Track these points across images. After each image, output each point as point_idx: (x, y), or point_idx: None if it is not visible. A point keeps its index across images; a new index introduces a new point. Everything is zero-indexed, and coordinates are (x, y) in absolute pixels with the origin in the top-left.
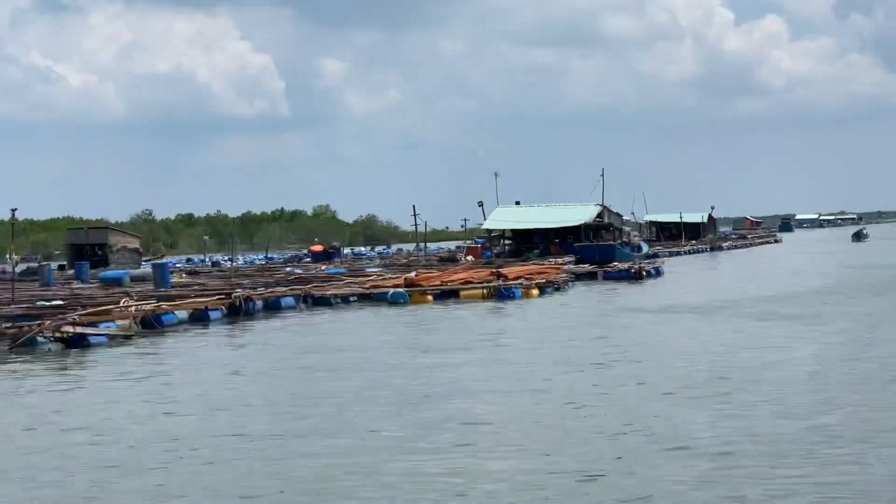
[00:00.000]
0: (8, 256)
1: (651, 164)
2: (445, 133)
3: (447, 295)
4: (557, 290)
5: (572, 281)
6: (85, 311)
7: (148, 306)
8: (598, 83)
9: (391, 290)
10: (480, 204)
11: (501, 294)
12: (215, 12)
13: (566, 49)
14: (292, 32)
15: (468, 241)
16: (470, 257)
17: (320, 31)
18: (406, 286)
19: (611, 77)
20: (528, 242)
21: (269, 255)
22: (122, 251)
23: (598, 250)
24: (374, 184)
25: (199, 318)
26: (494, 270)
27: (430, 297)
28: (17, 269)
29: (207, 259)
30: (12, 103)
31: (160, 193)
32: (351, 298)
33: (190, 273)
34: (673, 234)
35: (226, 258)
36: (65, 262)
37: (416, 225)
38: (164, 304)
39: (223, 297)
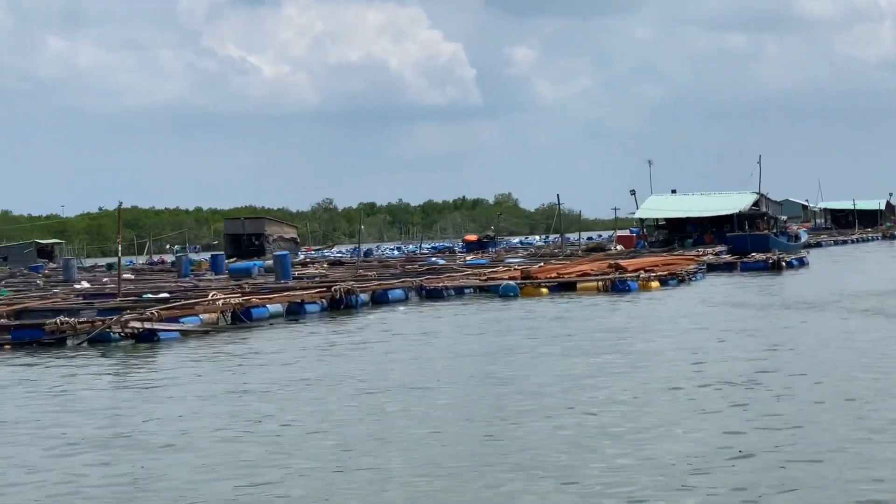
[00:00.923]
0: (117, 248)
1: (834, 150)
2: (633, 120)
3: (564, 287)
4: (682, 282)
5: (703, 272)
6: (168, 306)
7: (237, 300)
8: (792, 67)
9: (503, 283)
10: (633, 192)
11: (617, 287)
12: (406, 2)
13: (759, 33)
14: (482, 21)
15: (615, 232)
16: (620, 246)
17: (510, 20)
18: (522, 278)
19: (805, 60)
20: (681, 231)
21: (421, 245)
22: (278, 241)
23: (750, 240)
24: (559, 171)
25: (295, 312)
26: (613, 262)
27: (544, 290)
28: (168, 260)
29: (360, 249)
30: (208, 94)
31: (343, 182)
32: (466, 290)
33: (333, 264)
34: (848, 222)
35: (407, 246)
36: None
37: (558, 214)
38: (255, 298)
39: (324, 289)
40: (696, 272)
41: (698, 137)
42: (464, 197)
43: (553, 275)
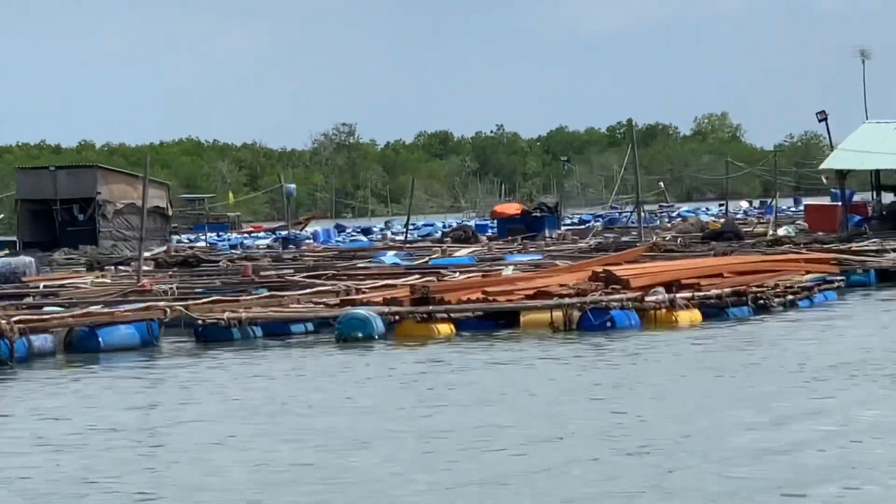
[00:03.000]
0: None
1: None
2: None
3: (496, 318)
4: (764, 307)
5: (834, 289)
6: None
7: None
8: None
9: (346, 313)
10: (822, 116)
11: (587, 321)
12: None
13: None
14: None
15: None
16: (792, 228)
17: None
18: (413, 301)
19: None
20: None
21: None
22: (122, 212)
23: None
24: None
25: None
26: (602, 268)
27: (444, 328)
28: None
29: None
30: None
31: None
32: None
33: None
34: None
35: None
36: None
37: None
38: None
39: None
40: (813, 287)
41: None
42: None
43: (471, 296)
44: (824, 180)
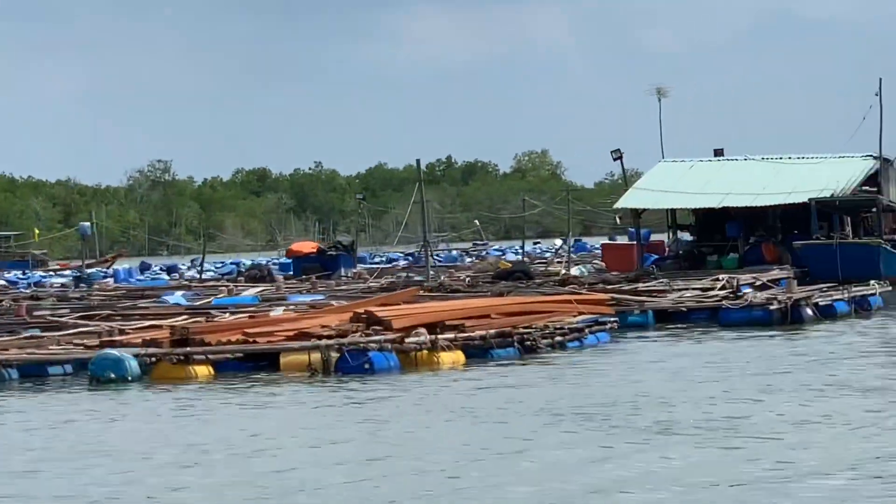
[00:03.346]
0: None
1: None
2: None
3: (257, 360)
4: (531, 349)
5: (608, 330)
6: None
7: None
8: None
9: (97, 354)
10: (617, 156)
11: (345, 363)
12: None
13: None
14: None
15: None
16: (586, 268)
17: None
18: (173, 341)
19: None
20: (715, 234)
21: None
22: None
23: (842, 254)
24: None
25: None
26: (364, 310)
27: (201, 370)
28: None
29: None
30: None
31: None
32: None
33: None
34: None
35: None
36: None
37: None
38: None
39: None
40: (584, 329)
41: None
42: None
43: (231, 338)
44: (617, 220)
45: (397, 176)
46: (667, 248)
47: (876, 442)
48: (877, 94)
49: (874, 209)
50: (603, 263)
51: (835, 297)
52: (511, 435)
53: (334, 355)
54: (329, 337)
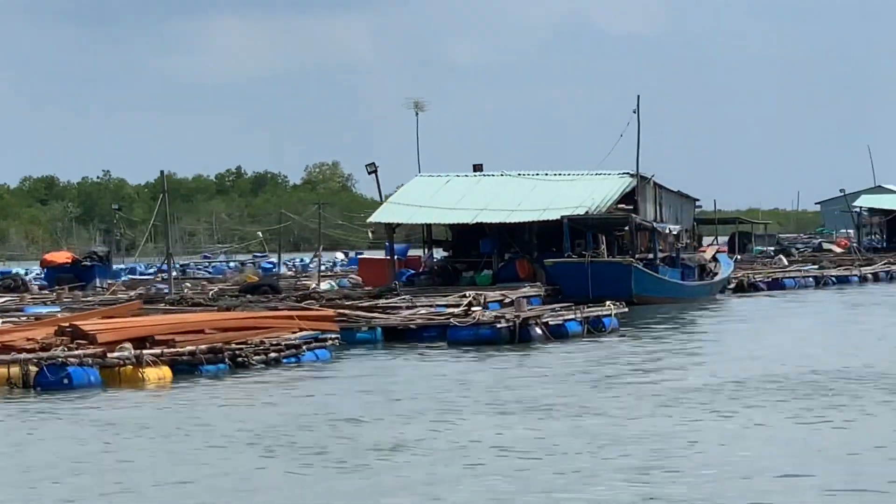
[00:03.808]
0: None
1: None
2: None
3: None
4: (243, 365)
5: (324, 347)
6: None
7: None
8: None
9: None
10: (372, 169)
11: (44, 377)
12: None
13: None
14: None
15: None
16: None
17: None
18: None
19: None
20: (470, 250)
21: None
22: None
23: (593, 272)
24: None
25: None
26: (69, 323)
27: None
28: None
29: None
30: None
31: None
32: None
33: None
34: None
35: None
36: None
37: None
38: None
39: None
40: (301, 345)
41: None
42: None
43: None
44: (370, 234)
45: (186, 186)
46: (423, 264)
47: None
48: (634, 112)
49: (627, 227)
50: (359, 278)
51: (566, 318)
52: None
53: (33, 369)
54: (31, 350)
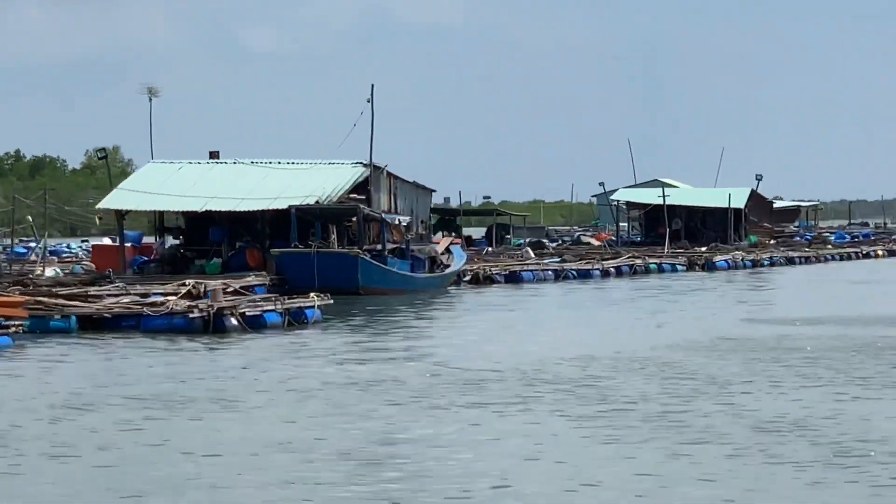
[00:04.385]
0: None
1: None
2: None
3: None
4: None
5: (6, 334)
6: None
7: None
8: None
9: None
10: (102, 155)
11: None
12: None
13: None
14: None
15: None
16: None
17: None
18: None
19: None
20: (204, 238)
21: None
22: None
23: (320, 263)
24: None
25: None
26: None
27: None
28: None
29: None
30: None
31: None
32: None
33: None
34: (693, 227)
35: None
36: None
37: None
38: None
39: None
40: None
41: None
42: None
43: None
44: (97, 220)
45: None
46: (154, 251)
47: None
48: (368, 101)
49: (355, 218)
50: (93, 264)
51: (266, 309)
52: None
53: None
54: None
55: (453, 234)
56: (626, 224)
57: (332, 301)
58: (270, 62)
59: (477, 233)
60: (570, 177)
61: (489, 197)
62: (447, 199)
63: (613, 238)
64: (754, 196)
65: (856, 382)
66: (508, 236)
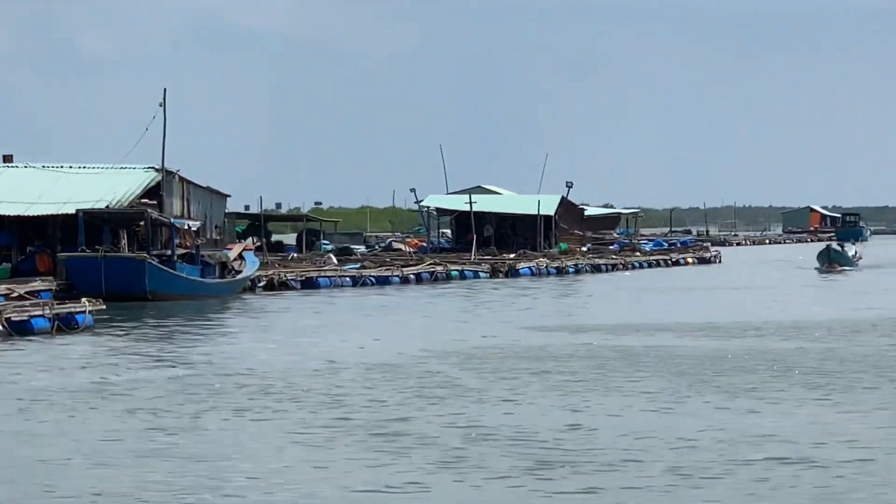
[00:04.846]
0: None
1: None
2: None
3: None
4: None
5: None
6: None
7: None
8: None
9: None
10: None
11: None
12: None
13: None
14: None
15: None
16: None
17: None
18: None
19: None
20: None
21: None
22: None
23: (107, 267)
24: None
25: None
26: None
27: None
28: None
29: None
30: None
31: None
32: None
33: None
34: (504, 234)
35: None
36: None
37: None
38: None
39: None
40: None
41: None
42: None
43: None
44: None
45: None
46: None
47: None
48: (161, 105)
49: (143, 222)
50: None
51: (33, 314)
52: None
53: None
54: None
55: (264, 240)
56: (437, 231)
57: (104, 306)
58: (77, 66)
59: (292, 239)
60: (395, 183)
61: (320, 203)
62: (247, 207)
63: (425, 244)
64: (564, 203)
65: (598, 391)
66: (319, 241)
